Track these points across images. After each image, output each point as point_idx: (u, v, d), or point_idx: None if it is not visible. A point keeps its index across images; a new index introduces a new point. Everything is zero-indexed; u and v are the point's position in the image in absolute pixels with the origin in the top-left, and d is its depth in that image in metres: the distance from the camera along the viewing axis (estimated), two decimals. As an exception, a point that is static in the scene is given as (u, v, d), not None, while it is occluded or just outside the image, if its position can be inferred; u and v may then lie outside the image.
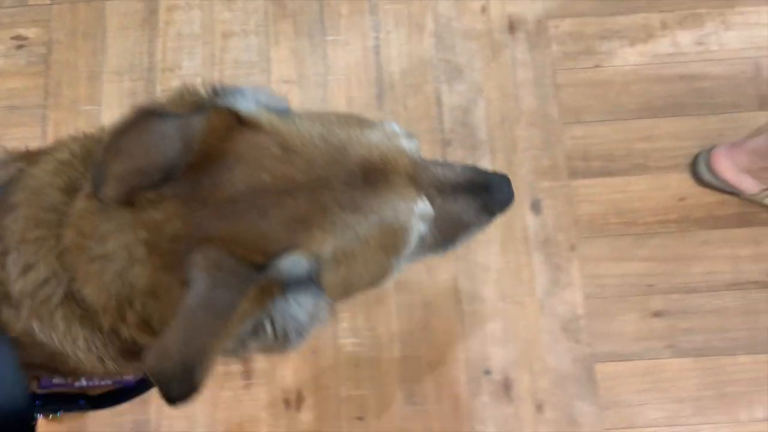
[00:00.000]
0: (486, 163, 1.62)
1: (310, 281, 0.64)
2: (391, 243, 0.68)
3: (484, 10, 1.73)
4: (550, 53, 1.70)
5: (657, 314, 1.51)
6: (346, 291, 0.69)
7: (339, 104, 1.67)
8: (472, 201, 0.76)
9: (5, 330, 0.74)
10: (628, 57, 1.69)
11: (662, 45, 1.70)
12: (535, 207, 1.59)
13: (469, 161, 1.61)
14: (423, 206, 0.70)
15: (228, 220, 0.60)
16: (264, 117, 0.66)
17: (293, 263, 0.61)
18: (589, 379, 1.48)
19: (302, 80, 1.69)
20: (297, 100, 1.67)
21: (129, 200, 0.61)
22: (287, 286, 0.61)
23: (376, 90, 1.68)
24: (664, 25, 1.71)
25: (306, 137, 0.65)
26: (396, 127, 0.72)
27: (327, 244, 0.63)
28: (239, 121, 0.64)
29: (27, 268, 0.70)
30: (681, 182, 1.60)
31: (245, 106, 0.66)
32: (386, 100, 1.67)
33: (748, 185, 1.51)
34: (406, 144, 0.71)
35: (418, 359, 1.49)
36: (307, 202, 0.62)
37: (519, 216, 1.58)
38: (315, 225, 0.62)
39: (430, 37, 1.72)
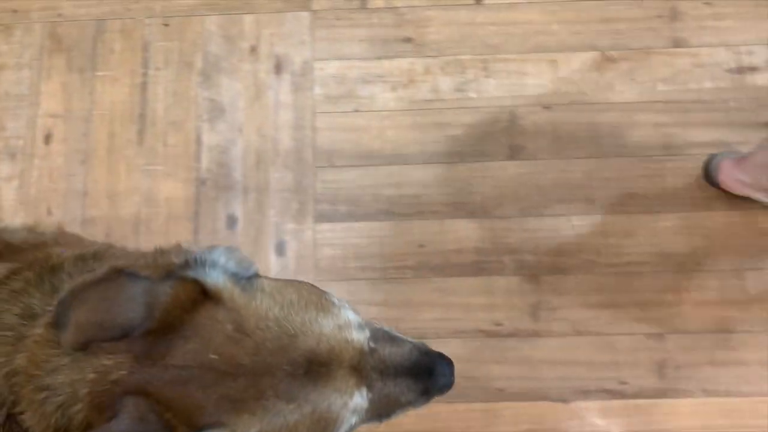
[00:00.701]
0: (237, 204, 1.65)
1: None
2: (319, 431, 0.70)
3: (253, 50, 1.76)
4: (311, 96, 1.73)
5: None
6: None
7: (101, 139, 1.70)
8: (413, 384, 0.78)
9: None
10: (388, 102, 1.72)
11: (422, 91, 1.72)
12: (279, 249, 1.63)
13: (222, 201, 1.65)
14: (358, 401, 0.72)
15: (168, 383, 0.64)
16: (227, 292, 0.69)
17: None
18: None
19: (68, 114, 1.72)
20: (61, 134, 1.71)
21: (84, 347, 0.65)
22: None
23: (138, 126, 1.71)
24: (428, 71, 1.73)
25: (261, 319, 0.68)
26: (351, 315, 0.76)
27: (253, 428, 0.66)
28: (203, 293, 0.68)
29: None
30: (423, 228, 1.63)
31: (213, 277, 0.69)
32: (147, 136, 1.71)
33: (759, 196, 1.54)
34: (356, 335, 0.73)
35: None
36: (246, 385, 0.65)
37: (263, 257, 1.62)
38: (246, 409, 0.65)
39: (198, 75, 1.75)
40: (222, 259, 0.72)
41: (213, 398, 0.64)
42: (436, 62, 1.74)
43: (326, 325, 0.71)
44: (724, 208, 1.61)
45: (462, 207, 1.64)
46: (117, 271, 0.66)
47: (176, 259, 0.70)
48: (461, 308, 1.59)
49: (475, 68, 1.73)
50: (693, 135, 1.67)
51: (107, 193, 1.67)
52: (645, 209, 1.62)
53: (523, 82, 1.72)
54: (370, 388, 0.74)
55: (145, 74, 1.75)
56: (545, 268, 1.59)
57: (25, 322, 0.73)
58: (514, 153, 1.67)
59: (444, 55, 1.74)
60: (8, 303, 0.76)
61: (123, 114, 1.72)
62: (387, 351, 0.77)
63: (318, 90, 1.73)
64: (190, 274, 0.68)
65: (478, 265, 1.61)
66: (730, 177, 1.54)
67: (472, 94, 1.72)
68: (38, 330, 0.70)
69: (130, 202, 1.66)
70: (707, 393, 1.51)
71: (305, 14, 1.78)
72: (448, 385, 0.82)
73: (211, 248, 0.73)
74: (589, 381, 1.52)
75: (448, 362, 0.82)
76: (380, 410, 0.77)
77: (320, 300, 0.74)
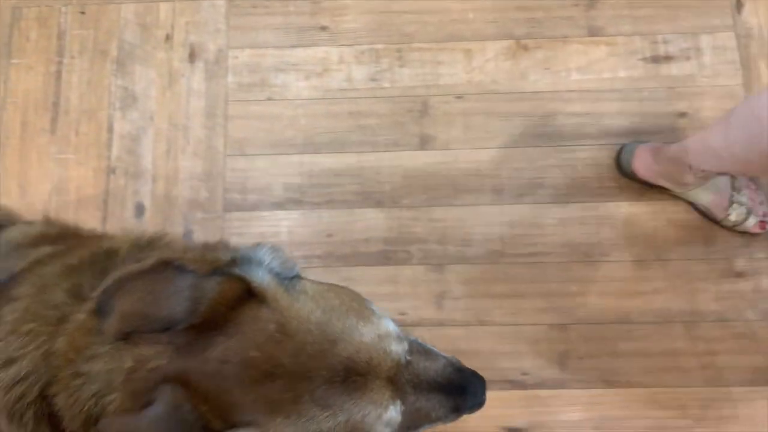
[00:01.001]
0: (145, 193, 1.65)
1: None
2: None
3: (168, 38, 1.75)
4: (225, 84, 1.72)
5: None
6: None
7: (14, 128, 1.70)
8: (444, 400, 0.77)
9: None
10: (301, 91, 1.71)
11: (336, 80, 1.71)
12: (187, 238, 1.63)
13: (131, 190, 1.65)
14: (393, 414, 0.71)
15: (207, 376, 0.64)
16: (271, 291, 0.69)
17: None
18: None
19: (-18, 103, 1.72)
20: (-25, 122, 1.71)
21: (126, 337, 0.66)
22: None
23: (51, 114, 1.71)
24: (342, 60, 1.72)
25: (303, 321, 0.68)
26: (391, 326, 0.75)
27: None
28: (248, 291, 0.68)
29: (9, 362, 0.72)
30: (332, 218, 1.63)
31: (258, 277, 0.70)
32: (60, 125, 1.70)
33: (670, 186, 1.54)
34: (395, 347, 0.73)
35: None
36: (283, 387, 0.65)
37: (171, 246, 1.62)
38: (282, 411, 0.65)
39: (112, 63, 1.74)
40: (267, 258, 0.73)
41: (250, 397, 0.64)
42: (351, 51, 1.73)
43: (366, 333, 0.71)
44: (633, 199, 1.60)
45: (371, 197, 1.63)
46: (165, 263, 0.67)
47: (224, 256, 0.71)
48: (366, 297, 1.58)
49: (389, 57, 1.72)
50: (606, 125, 1.66)
51: (18, 181, 1.67)
52: (553, 199, 1.61)
53: (437, 72, 1.71)
54: (403, 401, 0.73)
55: (60, 62, 1.74)
56: (451, 258, 1.58)
57: (70, 302, 0.73)
58: (425, 143, 1.66)
59: (359, 44, 1.73)
60: (60, 278, 0.77)
61: (36, 102, 1.72)
62: (422, 365, 0.76)
63: (231, 78, 1.72)
64: (237, 271, 0.69)
65: (385, 254, 1.60)
66: (644, 164, 1.53)
67: (386, 84, 1.70)
68: (81, 315, 0.70)
69: (41, 191, 1.66)
70: (608, 384, 1.50)
71: (221, 2, 1.77)
72: (480, 404, 0.81)
73: (257, 246, 0.74)
74: (491, 371, 1.51)
75: (481, 381, 0.81)
76: (409, 424, 0.76)
77: (361, 308, 0.74)
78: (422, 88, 1.70)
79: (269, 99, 1.71)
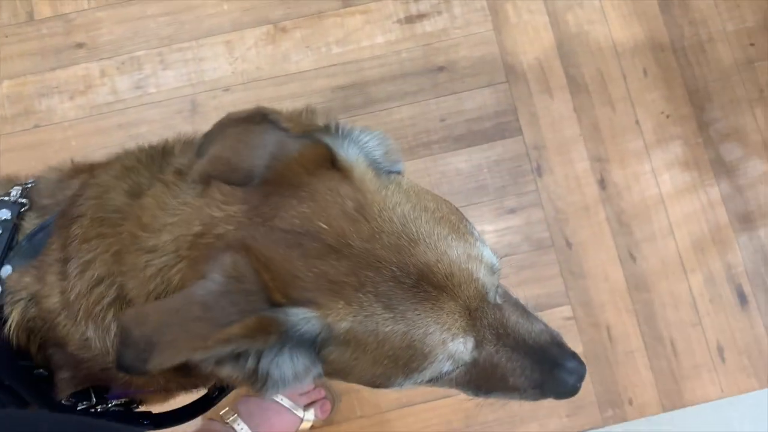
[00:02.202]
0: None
1: (313, 345, 0.60)
2: (405, 361, 0.62)
3: None
4: (-13, 119, 1.68)
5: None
6: (343, 375, 0.65)
7: None
8: (529, 369, 0.68)
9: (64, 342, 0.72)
10: (67, 112, 1.69)
11: (101, 94, 1.70)
12: None
13: None
14: (460, 347, 0.63)
15: (273, 243, 0.59)
16: (359, 170, 0.63)
17: (305, 320, 0.58)
18: None
19: None
20: None
21: (208, 181, 0.63)
22: (289, 337, 0.58)
23: None
24: (104, 73, 1.71)
25: (387, 210, 0.61)
26: (487, 253, 0.65)
27: (345, 322, 0.59)
28: (332, 162, 0.63)
29: (85, 267, 0.69)
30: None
31: (348, 152, 0.64)
32: None
33: None
34: (485, 276, 0.64)
35: None
36: (348, 269, 0.59)
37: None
38: (343, 296, 0.59)
39: None
40: (370, 142, 0.67)
41: (313, 272, 0.58)
42: (112, 63, 1.71)
43: (455, 247, 0.62)
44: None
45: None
46: (262, 114, 0.64)
47: (322, 123, 0.66)
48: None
49: (151, 62, 1.71)
50: (373, 92, 1.70)
51: None
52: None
53: (200, 69, 1.71)
54: (479, 344, 0.64)
55: None
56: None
57: (131, 202, 0.70)
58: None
59: (119, 55, 1.72)
60: (119, 179, 0.73)
61: None
62: (514, 318, 0.67)
63: (-6, 112, 1.69)
64: (326, 140, 0.64)
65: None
66: None
67: (152, 89, 1.70)
68: (145, 200, 0.68)
69: None
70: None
71: (-30, 37, 1.72)
72: (572, 392, 0.69)
73: (365, 129, 0.68)
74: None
75: (581, 365, 0.70)
76: (480, 380, 0.68)
77: (459, 222, 0.66)
78: (188, 87, 1.70)
79: (36, 126, 1.68)
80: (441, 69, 1.70)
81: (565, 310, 1.58)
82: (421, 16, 1.73)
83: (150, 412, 0.87)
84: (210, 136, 0.66)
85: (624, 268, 1.60)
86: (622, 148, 1.67)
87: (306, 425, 1.43)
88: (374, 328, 0.59)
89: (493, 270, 0.65)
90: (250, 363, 0.59)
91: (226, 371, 0.59)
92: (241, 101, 1.69)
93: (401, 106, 1.68)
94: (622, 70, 1.71)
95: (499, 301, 0.67)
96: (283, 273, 0.58)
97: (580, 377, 0.69)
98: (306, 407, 1.44)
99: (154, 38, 1.73)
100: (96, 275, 0.69)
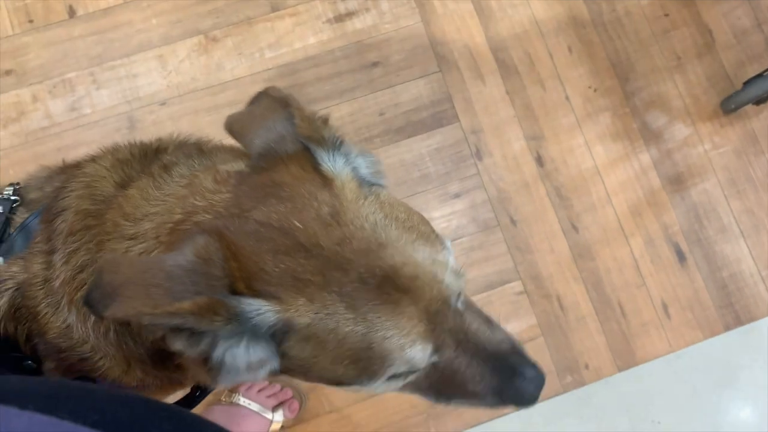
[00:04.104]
0: None
1: (272, 339, 0.62)
2: (364, 363, 0.63)
3: None
4: None
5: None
6: (303, 371, 0.66)
7: None
8: (488, 376, 0.68)
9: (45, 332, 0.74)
10: (1, 141, 1.66)
11: (35, 120, 1.68)
12: None
13: None
14: (417, 354, 0.63)
15: (245, 234, 0.61)
16: (340, 180, 0.66)
17: (258, 311, 0.60)
18: None
19: None
20: None
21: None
22: (243, 326, 0.59)
23: None
24: (36, 98, 1.69)
25: (360, 217, 0.64)
26: (451, 259, 0.67)
27: (305, 318, 0.61)
28: (315, 170, 0.66)
29: (70, 257, 0.72)
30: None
31: (335, 163, 0.67)
32: None
33: None
34: (449, 280, 0.64)
35: None
36: (315, 269, 0.61)
37: None
38: (306, 293, 0.60)
39: None
40: (358, 160, 0.70)
41: (280, 267, 0.60)
42: (43, 87, 1.69)
43: (422, 251, 0.64)
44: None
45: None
46: (285, 105, 0.67)
47: (325, 134, 0.68)
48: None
49: (84, 83, 1.70)
50: (311, 92, 1.72)
51: None
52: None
53: (135, 85, 1.70)
54: (437, 349, 0.65)
55: None
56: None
57: (117, 193, 0.73)
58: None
59: (50, 78, 1.70)
60: (110, 170, 0.77)
61: None
62: (476, 325, 0.68)
63: (-75, 149, 1.65)
64: (315, 149, 0.66)
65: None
66: None
67: (87, 110, 1.69)
68: (131, 191, 0.71)
69: None
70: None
71: None
72: (530, 401, 0.70)
73: (363, 151, 0.72)
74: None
75: (539, 375, 0.71)
76: (441, 386, 0.69)
77: (429, 232, 0.68)
78: (124, 104, 1.69)
79: (-31, 159, 1.65)
80: (375, 64, 1.74)
81: (516, 286, 1.63)
82: (350, 14, 1.76)
83: None
84: (254, 99, 0.72)
85: (568, 239, 1.67)
86: (555, 124, 1.73)
87: (276, 426, 1.45)
88: (335, 326, 0.61)
89: (458, 275, 0.67)
90: (204, 345, 0.61)
91: (179, 345, 0.61)
92: (179, 114, 1.69)
93: (340, 103, 1.71)
94: (548, 49, 1.77)
95: (461, 307, 0.68)
96: (250, 264, 0.61)
97: (539, 386, 0.71)
98: (274, 408, 1.45)
99: (84, 58, 1.71)
100: (80, 262, 0.72)
